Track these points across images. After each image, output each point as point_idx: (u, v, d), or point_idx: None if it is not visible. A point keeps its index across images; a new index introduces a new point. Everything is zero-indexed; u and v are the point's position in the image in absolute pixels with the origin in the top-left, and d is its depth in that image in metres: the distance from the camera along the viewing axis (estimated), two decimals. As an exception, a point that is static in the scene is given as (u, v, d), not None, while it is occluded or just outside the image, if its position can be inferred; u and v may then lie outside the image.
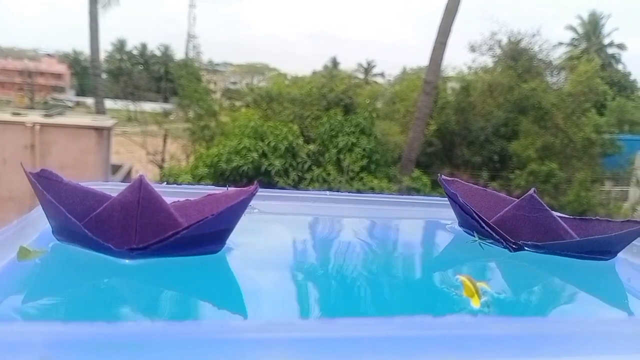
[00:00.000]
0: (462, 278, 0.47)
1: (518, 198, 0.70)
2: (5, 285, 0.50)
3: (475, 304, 0.45)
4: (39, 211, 0.67)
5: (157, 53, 24.23)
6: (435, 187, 7.81)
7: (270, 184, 6.97)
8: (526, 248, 0.64)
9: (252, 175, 7.01)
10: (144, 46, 25.04)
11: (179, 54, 17.42)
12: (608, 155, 9.77)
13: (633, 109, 12.81)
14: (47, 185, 0.58)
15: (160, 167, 9.47)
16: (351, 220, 0.85)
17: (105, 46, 23.01)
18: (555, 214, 0.67)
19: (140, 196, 0.56)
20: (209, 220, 0.55)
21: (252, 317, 0.47)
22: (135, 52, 25.32)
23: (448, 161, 9.55)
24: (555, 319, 0.49)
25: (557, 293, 0.60)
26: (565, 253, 0.62)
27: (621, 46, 22.51)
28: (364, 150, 7.27)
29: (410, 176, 7.84)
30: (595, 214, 8.17)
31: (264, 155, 7.09)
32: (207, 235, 0.57)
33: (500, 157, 9.36)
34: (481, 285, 0.47)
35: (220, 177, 6.97)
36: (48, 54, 25.51)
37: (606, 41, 22.31)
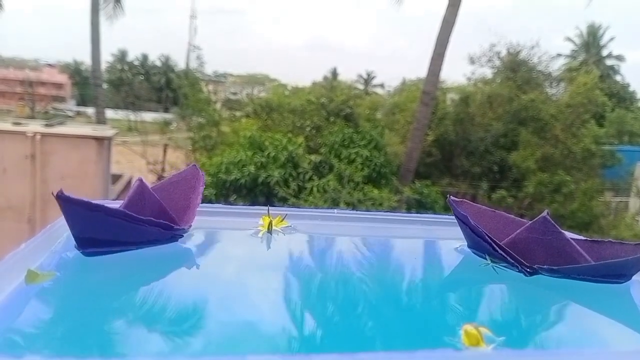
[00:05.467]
0: (465, 327, 0.44)
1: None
2: (12, 311, 0.49)
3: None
4: (46, 233, 0.66)
5: (158, 63, 24.35)
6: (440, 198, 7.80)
7: (269, 194, 6.96)
8: (542, 272, 0.63)
9: (250, 186, 7.01)
10: (144, 57, 25.18)
11: (179, 65, 17.49)
12: (608, 167, 9.77)
13: (632, 120, 12.85)
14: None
15: (160, 177, 9.47)
16: (359, 239, 0.84)
17: (107, 57, 23.12)
18: (568, 235, 0.66)
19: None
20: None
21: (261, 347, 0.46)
22: (136, 62, 25.43)
23: (447, 171, 9.55)
24: (575, 351, 0.48)
25: (575, 320, 0.59)
26: (581, 277, 0.61)
27: (620, 57, 22.66)
28: (375, 164, 7.29)
29: (410, 187, 7.83)
30: (597, 225, 8.17)
31: (262, 166, 7.09)
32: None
33: (500, 168, 9.36)
34: (484, 331, 0.44)
35: (222, 187, 6.97)
36: (49, 64, 25.61)
37: (605, 52, 22.45)
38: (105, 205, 0.62)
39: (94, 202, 0.61)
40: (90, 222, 0.62)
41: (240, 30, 53.53)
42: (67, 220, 0.62)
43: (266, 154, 7.15)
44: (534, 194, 8.33)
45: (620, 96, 16.37)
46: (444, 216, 0.88)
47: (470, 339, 0.44)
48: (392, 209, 6.62)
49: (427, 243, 0.85)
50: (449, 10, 8.25)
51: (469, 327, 0.44)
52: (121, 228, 0.63)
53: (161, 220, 0.66)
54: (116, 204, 0.69)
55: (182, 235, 0.69)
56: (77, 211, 0.61)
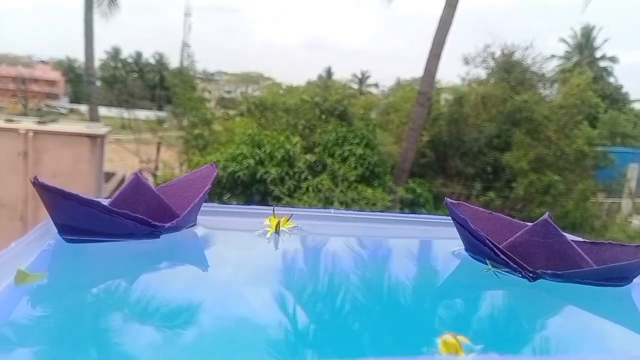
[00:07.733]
0: (444, 337, 0.43)
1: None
2: (1, 312, 0.47)
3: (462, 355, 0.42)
4: (36, 232, 0.65)
5: (152, 61, 24.23)
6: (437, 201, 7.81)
7: (265, 192, 6.94)
8: (545, 277, 0.61)
9: (247, 182, 6.98)
10: (138, 54, 25.04)
11: (174, 63, 17.43)
12: (600, 168, 9.83)
13: (625, 121, 12.93)
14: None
15: (154, 175, 9.41)
16: (355, 239, 0.83)
17: (100, 54, 22.97)
18: (569, 237, 0.65)
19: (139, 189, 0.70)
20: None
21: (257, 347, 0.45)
22: (130, 60, 25.28)
23: (441, 172, 9.57)
24: (582, 357, 0.47)
25: (579, 325, 0.57)
26: (584, 281, 0.60)
27: (613, 59, 22.80)
28: (368, 163, 7.29)
29: (404, 187, 7.84)
30: (590, 226, 8.21)
31: (260, 162, 7.07)
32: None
33: (493, 168, 9.38)
34: (463, 340, 0.43)
35: (216, 185, 6.93)
36: (42, 61, 25.42)
37: (598, 54, 22.59)
38: (80, 194, 0.63)
39: (67, 190, 0.62)
40: (65, 210, 0.63)
41: (238, 28, 53.45)
42: (46, 207, 0.63)
43: (263, 150, 7.14)
44: (524, 195, 8.36)
45: (614, 98, 16.48)
46: (445, 217, 0.87)
47: (448, 348, 0.43)
48: (386, 209, 6.62)
49: (430, 244, 0.84)
50: (446, 10, 8.25)
51: (447, 337, 0.43)
52: (96, 218, 0.63)
53: (138, 215, 0.65)
54: (107, 200, 0.69)
55: (162, 232, 0.68)
56: (53, 198, 0.62)
